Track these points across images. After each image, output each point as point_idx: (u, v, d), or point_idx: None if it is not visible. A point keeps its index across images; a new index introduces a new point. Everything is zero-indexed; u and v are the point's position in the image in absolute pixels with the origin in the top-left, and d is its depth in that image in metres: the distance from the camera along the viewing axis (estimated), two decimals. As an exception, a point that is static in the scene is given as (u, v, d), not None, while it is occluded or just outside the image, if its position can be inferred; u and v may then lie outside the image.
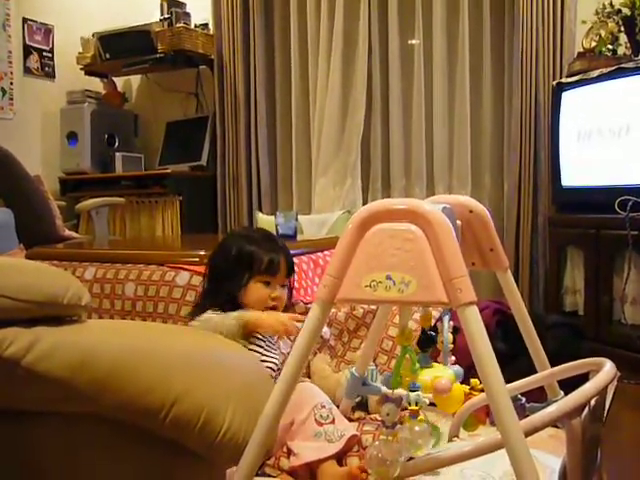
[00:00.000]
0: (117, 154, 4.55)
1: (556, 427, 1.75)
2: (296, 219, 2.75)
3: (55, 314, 0.94)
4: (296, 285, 2.29)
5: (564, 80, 3.26)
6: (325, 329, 2.21)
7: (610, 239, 2.85)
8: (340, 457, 1.63)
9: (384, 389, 1.30)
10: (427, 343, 1.35)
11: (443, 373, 1.31)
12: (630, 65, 2.87)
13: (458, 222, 1.31)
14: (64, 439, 1.00)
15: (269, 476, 1.60)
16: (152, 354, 1.01)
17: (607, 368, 1.13)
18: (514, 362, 1.92)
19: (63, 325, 0.94)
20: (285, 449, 1.64)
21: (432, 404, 1.35)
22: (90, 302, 0.98)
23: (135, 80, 5.03)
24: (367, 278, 1.01)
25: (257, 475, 1.57)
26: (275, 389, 1.06)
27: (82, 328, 0.97)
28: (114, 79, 4.88)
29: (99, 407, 0.94)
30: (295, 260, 2.43)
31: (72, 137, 4.51)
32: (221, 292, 1.81)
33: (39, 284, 0.92)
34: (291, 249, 2.53)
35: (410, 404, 1.18)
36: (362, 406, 2.03)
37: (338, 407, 1.77)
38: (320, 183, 4.08)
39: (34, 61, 4.50)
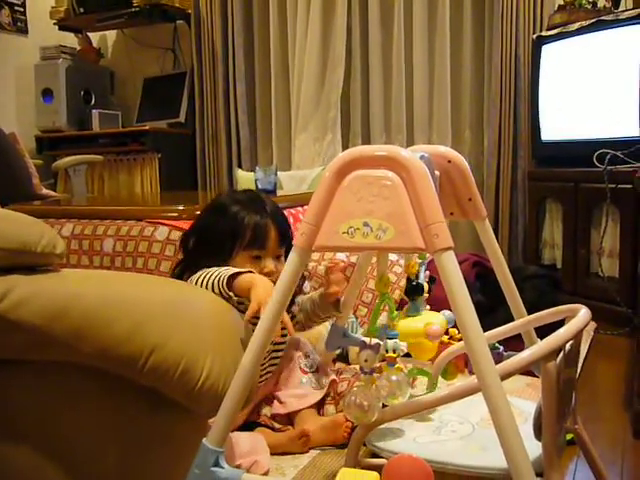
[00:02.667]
0: (94, 111, 4.49)
1: (534, 376, 1.78)
2: (275, 174, 2.73)
3: (29, 263, 0.93)
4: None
5: (544, 33, 3.23)
6: (305, 283, 2.22)
7: (588, 192, 2.86)
8: (318, 405, 1.67)
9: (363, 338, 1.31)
10: (415, 292, 1.36)
11: (434, 319, 1.32)
12: (610, 18, 2.86)
13: (437, 172, 1.31)
14: (43, 389, 1.00)
15: (251, 422, 1.63)
16: (129, 302, 1.00)
17: (581, 313, 1.14)
18: (493, 314, 1.95)
19: (37, 274, 0.93)
20: (270, 396, 1.67)
21: (406, 355, 1.37)
22: (65, 251, 0.97)
23: (111, 35, 4.93)
24: (344, 225, 1.00)
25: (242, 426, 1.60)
26: (253, 338, 1.06)
27: (57, 277, 0.96)
28: (89, 34, 4.79)
29: (77, 355, 0.94)
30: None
31: (47, 94, 4.43)
32: (199, 264, 1.52)
33: (11, 232, 0.90)
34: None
35: (387, 351, 1.19)
36: (342, 358, 2.06)
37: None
38: (300, 139, 4.06)
39: (5, 15, 4.38)
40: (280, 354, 1.68)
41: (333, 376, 1.71)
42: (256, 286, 1.31)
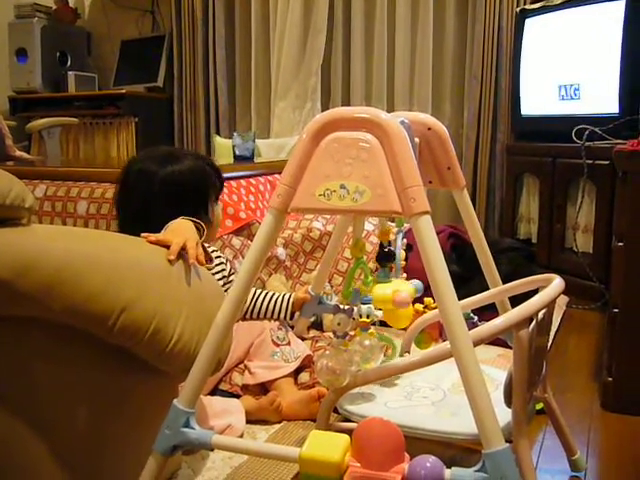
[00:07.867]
0: (69, 73, 4.41)
1: (506, 347, 1.79)
2: (253, 141, 2.71)
3: (-4, 216, 0.90)
4: (252, 206, 2.28)
5: (528, 6, 3.22)
6: (281, 250, 2.21)
7: (566, 168, 2.87)
8: (294, 374, 1.67)
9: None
10: (386, 258, 1.35)
11: (402, 287, 1.31)
12: (594, -8, 2.84)
13: (416, 140, 1.30)
14: (13, 346, 0.98)
15: (222, 391, 1.62)
16: (101, 259, 0.98)
17: (555, 283, 1.14)
18: (468, 284, 1.95)
19: (6, 227, 0.91)
20: (242, 366, 1.66)
21: (382, 323, 1.37)
22: (35, 204, 0.95)
23: (88, -5, 4.83)
24: (321, 187, 0.99)
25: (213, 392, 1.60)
26: (227, 299, 1.05)
27: (26, 231, 0.93)
28: (65, -7, 4.67)
29: (46, 311, 0.92)
30: (252, 181, 2.42)
31: (21, 54, 4.33)
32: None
33: (-22, 184, 0.88)
34: (248, 170, 2.52)
35: (361, 316, 1.19)
36: (317, 325, 2.06)
37: (293, 328, 1.80)
38: (279, 107, 4.01)
39: (-21, -29, 4.27)
40: None
41: (309, 351, 1.71)
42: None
